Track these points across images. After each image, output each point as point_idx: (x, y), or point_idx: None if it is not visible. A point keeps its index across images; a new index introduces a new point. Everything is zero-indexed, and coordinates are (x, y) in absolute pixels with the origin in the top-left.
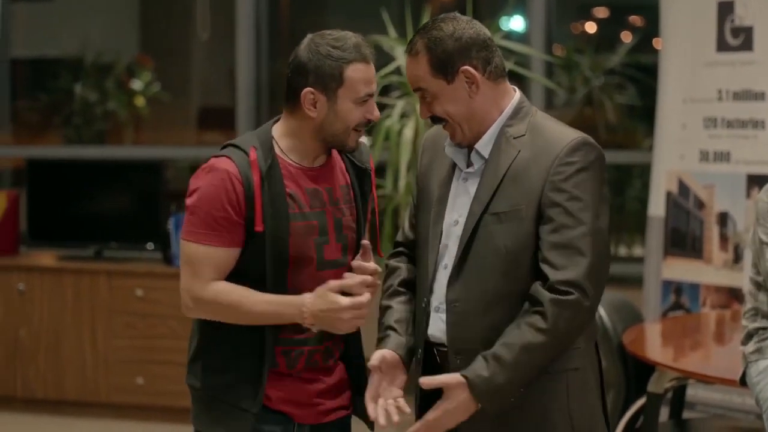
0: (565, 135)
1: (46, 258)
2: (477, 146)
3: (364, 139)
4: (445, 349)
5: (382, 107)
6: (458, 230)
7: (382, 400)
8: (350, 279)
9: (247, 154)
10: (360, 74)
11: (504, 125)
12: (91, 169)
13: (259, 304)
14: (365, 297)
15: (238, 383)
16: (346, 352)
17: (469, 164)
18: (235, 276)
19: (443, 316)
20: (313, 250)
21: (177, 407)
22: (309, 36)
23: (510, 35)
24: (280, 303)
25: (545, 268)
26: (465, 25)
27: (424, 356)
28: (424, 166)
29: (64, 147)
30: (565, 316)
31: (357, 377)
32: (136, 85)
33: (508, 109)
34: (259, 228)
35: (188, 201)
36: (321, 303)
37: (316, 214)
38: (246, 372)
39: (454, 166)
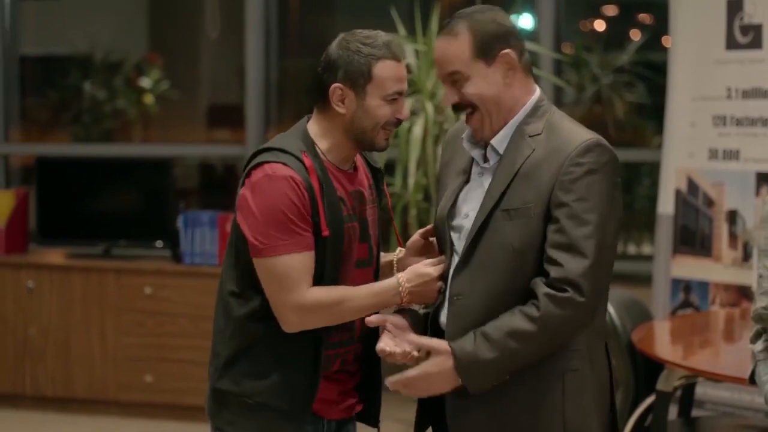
0: (579, 136)
1: (55, 256)
2: (492, 142)
3: None
4: None
5: None
6: (468, 223)
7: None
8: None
9: (299, 159)
10: (389, 71)
11: (521, 123)
12: (100, 166)
13: (361, 298)
14: None
15: (287, 388)
16: (363, 354)
17: (485, 160)
18: None
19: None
20: (355, 250)
21: (185, 405)
22: (341, 35)
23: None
24: (379, 292)
25: (547, 266)
26: (503, 15)
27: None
28: (444, 161)
29: (73, 145)
30: (558, 312)
31: (368, 380)
32: (145, 82)
33: (528, 106)
34: (325, 233)
35: (253, 214)
36: (415, 279)
37: (356, 216)
38: (296, 377)
39: (471, 160)
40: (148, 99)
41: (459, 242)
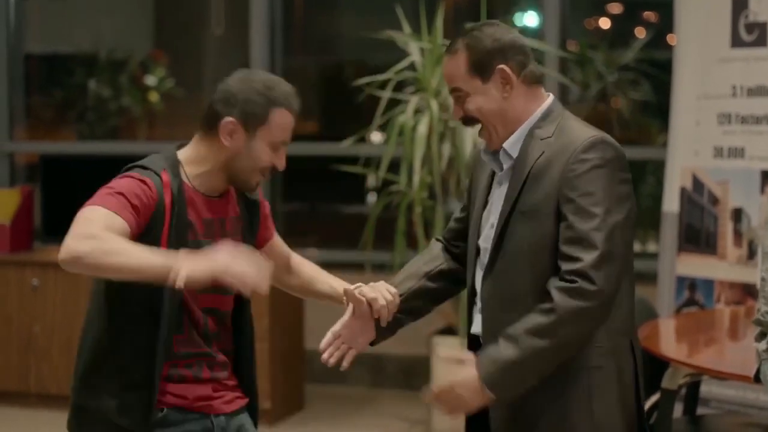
0: (584, 133)
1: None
2: (505, 145)
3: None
4: None
5: (396, 103)
6: (493, 232)
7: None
8: None
9: (158, 175)
10: (283, 120)
11: (533, 127)
12: (104, 164)
13: (137, 250)
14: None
15: (129, 406)
16: (237, 370)
17: (501, 169)
18: (130, 293)
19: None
20: None
21: None
22: (244, 71)
23: (524, 31)
24: (155, 253)
25: (560, 262)
26: (504, 30)
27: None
28: (473, 179)
29: (77, 143)
30: (571, 303)
31: (245, 379)
32: (150, 80)
33: (539, 112)
34: (164, 247)
35: (102, 189)
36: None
37: (207, 243)
38: (133, 395)
39: (493, 174)
40: (153, 97)
41: (485, 253)
